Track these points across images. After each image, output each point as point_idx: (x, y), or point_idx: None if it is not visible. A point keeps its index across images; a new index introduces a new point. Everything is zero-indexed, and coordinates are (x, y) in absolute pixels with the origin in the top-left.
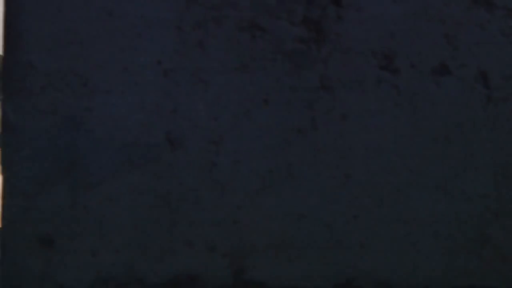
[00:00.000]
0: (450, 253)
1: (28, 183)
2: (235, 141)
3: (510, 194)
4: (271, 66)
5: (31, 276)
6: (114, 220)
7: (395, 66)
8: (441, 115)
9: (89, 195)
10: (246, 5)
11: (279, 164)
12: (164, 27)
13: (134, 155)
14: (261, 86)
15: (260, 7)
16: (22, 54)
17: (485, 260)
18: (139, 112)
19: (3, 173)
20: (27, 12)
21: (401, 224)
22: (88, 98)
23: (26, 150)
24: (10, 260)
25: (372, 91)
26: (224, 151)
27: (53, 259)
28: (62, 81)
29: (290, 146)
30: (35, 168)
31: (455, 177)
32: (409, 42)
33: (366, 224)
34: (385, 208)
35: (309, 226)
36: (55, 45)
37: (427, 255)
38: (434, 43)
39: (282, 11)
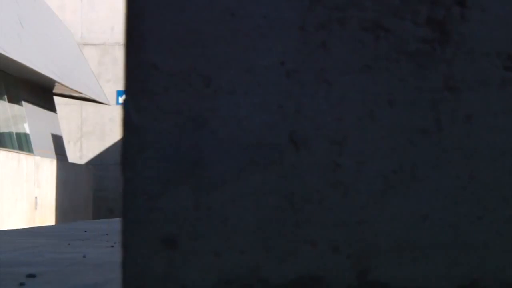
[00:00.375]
0: None
1: (151, 184)
2: (359, 142)
3: None
4: (394, 66)
5: (154, 277)
6: (237, 220)
7: None
8: None
9: (212, 195)
10: (369, 5)
11: (403, 165)
12: (287, 28)
13: (258, 156)
14: (385, 86)
15: (384, 7)
16: (145, 55)
17: None
18: (263, 112)
19: (124, 174)
20: (150, 13)
21: None
22: (212, 98)
23: (149, 151)
24: (133, 261)
25: (496, 92)
26: (348, 152)
27: (176, 260)
28: (185, 81)
29: (414, 146)
30: (158, 169)
31: None
32: None
33: (491, 224)
34: (510, 208)
35: (433, 226)
36: (178, 45)
37: None
38: None
39: (406, 12)
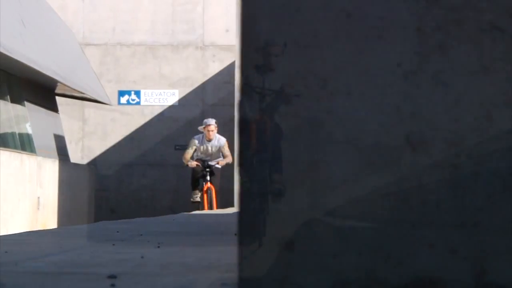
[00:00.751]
0: None
1: (267, 186)
2: (476, 143)
3: None
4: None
5: (271, 278)
6: (354, 222)
7: None
8: None
9: (329, 197)
10: (486, 6)
11: None
12: (404, 29)
13: (374, 157)
14: (502, 88)
15: (501, 8)
16: (261, 56)
17: None
18: (379, 114)
19: (241, 176)
20: (265, 14)
21: None
22: (328, 100)
23: (265, 152)
24: (249, 263)
25: None
26: (465, 153)
27: (293, 261)
28: (301, 83)
29: None
30: (274, 171)
31: None
32: None
33: None
34: None
35: None
36: (293, 46)
37: None
38: None
39: None
